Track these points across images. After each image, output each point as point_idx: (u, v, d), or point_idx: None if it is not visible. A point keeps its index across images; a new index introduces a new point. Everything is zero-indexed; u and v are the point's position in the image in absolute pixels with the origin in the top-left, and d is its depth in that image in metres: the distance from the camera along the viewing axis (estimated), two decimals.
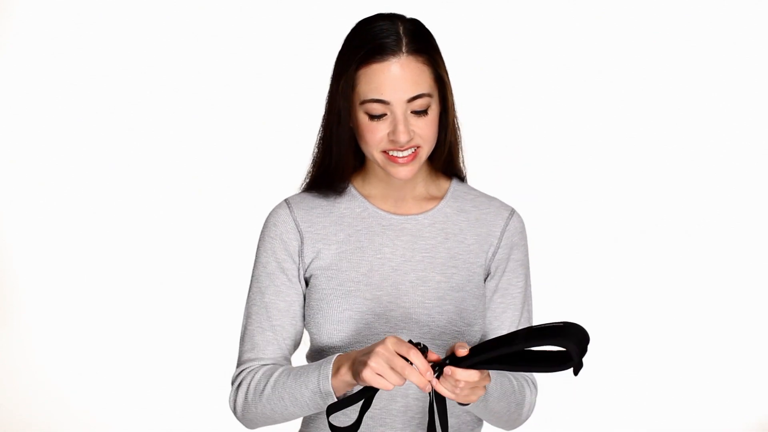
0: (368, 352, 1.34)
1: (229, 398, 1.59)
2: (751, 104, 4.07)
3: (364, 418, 1.54)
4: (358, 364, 1.36)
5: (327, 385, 1.42)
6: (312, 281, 1.60)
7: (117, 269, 4.22)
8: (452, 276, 1.59)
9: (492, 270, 1.63)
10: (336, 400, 1.42)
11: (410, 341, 1.34)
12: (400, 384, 1.32)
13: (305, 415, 1.52)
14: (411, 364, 1.32)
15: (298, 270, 1.60)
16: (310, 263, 1.60)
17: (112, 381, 4.13)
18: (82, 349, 4.18)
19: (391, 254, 1.59)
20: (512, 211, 1.66)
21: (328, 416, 1.41)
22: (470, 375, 1.32)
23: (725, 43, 4.04)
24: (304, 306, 1.62)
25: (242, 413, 1.56)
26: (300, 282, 1.60)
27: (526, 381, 1.63)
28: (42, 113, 4.21)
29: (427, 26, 1.54)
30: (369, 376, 1.32)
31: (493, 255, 1.63)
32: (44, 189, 4.23)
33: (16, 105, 4.22)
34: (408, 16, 1.54)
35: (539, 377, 1.72)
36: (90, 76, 4.18)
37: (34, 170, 4.23)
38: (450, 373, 1.31)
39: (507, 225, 1.64)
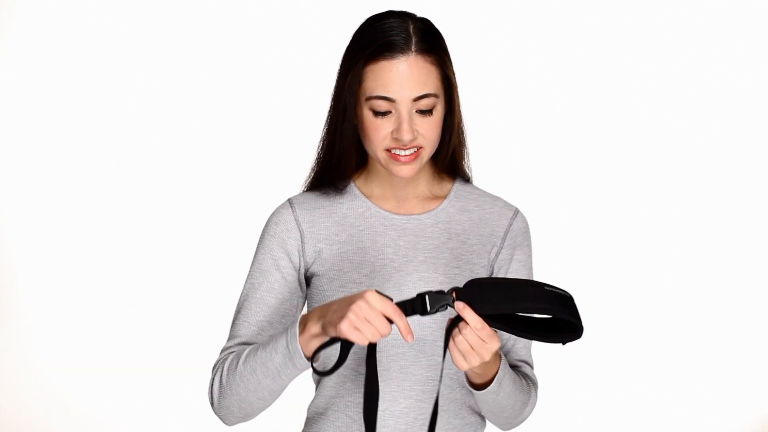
0: (348, 303, 1.32)
1: (207, 392, 1.55)
2: (755, 104, 4.07)
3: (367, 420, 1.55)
4: (332, 314, 1.33)
5: (295, 344, 1.38)
6: (314, 281, 1.59)
7: (118, 270, 4.21)
8: (455, 276, 1.58)
9: (495, 270, 1.62)
10: (305, 359, 1.39)
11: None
12: (375, 340, 1.30)
13: (279, 388, 1.47)
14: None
15: (298, 270, 1.59)
16: (312, 263, 1.59)
17: (112, 381, 4.12)
18: (82, 349, 4.18)
19: (394, 254, 1.58)
20: (516, 211, 1.65)
21: (313, 361, 1.39)
22: (475, 321, 1.31)
23: (729, 41, 4.04)
24: (299, 305, 1.61)
25: (218, 401, 1.52)
26: (298, 282, 1.59)
27: (531, 381, 1.63)
28: (42, 113, 4.21)
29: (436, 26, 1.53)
30: (346, 329, 1.30)
31: (496, 255, 1.62)
32: (44, 189, 4.23)
33: (16, 105, 4.21)
34: (418, 15, 1.53)
35: (540, 377, 1.72)
36: (91, 76, 4.17)
37: (34, 170, 4.22)
38: (461, 307, 1.31)
39: (511, 225, 1.63)
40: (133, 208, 4.20)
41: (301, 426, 1.69)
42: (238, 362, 1.48)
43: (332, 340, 1.36)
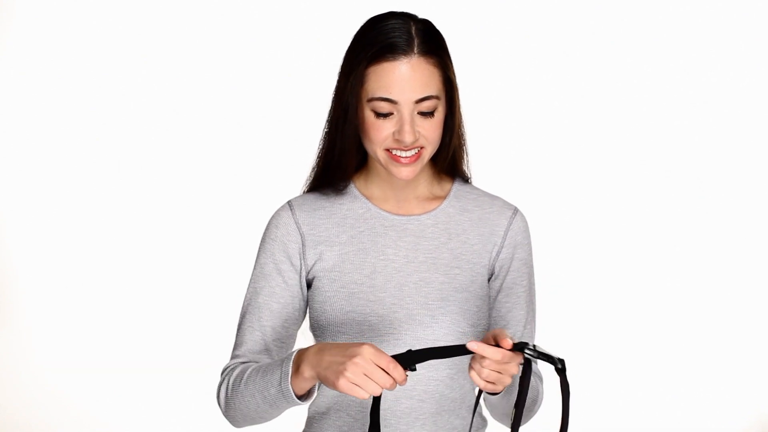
0: (344, 358, 1.31)
1: (215, 396, 1.57)
2: (754, 104, 4.07)
3: (367, 418, 1.56)
4: (328, 369, 1.32)
5: (287, 384, 1.39)
6: (315, 283, 1.59)
7: (118, 270, 4.21)
8: (456, 277, 1.58)
9: (496, 270, 1.62)
10: (296, 399, 1.40)
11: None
12: (377, 394, 1.30)
13: (279, 413, 1.48)
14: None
15: (299, 273, 1.59)
16: (313, 265, 1.59)
17: (112, 381, 4.12)
18: (82, 349, 4.18)
19: (394, 255, 1.58)
20: (515, 210, 1.65)
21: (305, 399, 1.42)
22: (494, 352, 1.30)
23: (729, 41, 4.04)
24: (302, 309, 1.61)
25: (225, 409, 1.54)
26: (299, 285, 1.59)
27: (537, 376, 1.64)
28: (42, 113, 4.21)
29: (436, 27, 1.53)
30: (345, 386, 1.29)
31: (497, 255, 1.62)
32: (44, 189, 4.23)
33: (16, 105, 4.21)
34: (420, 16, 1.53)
35: (543, 372, 1.72)
36: (91, 76, 4.17)
37: (34, 170, 4.22)
38: (476, 348, 1.29)
39: (510, 224, 1.63)
40: (133, 208, 4.20)
41: (302, 426, 1.69)
42: (241, 380, 1.49)
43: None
